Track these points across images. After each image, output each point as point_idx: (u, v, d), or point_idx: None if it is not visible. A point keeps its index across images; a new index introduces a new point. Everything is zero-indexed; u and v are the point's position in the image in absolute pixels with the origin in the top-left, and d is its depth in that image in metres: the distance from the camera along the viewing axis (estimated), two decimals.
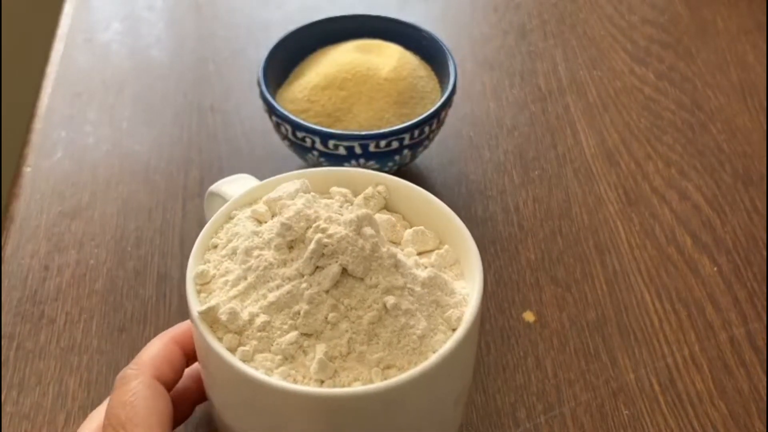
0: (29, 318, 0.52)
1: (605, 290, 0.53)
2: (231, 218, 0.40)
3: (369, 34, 0.59)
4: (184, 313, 0.52)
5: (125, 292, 0.53)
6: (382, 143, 0.53)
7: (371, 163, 0.54)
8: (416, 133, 0.53)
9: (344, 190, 0.40)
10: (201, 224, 0.57)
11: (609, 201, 0.58)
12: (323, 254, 0.35)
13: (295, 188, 0.39)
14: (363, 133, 0.52)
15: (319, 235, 0.35)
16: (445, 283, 0.37)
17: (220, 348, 0.34)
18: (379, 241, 0.36)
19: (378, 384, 0.33)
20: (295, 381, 0.34)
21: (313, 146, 0.53)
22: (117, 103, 0.65)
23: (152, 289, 0.53)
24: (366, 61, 0.56)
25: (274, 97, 0.55)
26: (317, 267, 0.35)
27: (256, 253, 0.36)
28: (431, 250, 0.40)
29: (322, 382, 0.34)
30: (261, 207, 0.39)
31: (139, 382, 0.38)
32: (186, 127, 0.64)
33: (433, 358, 0.34)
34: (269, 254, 0.36)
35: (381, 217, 0.40)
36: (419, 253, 0.39)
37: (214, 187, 0.44)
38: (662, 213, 0.58)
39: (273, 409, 0.34)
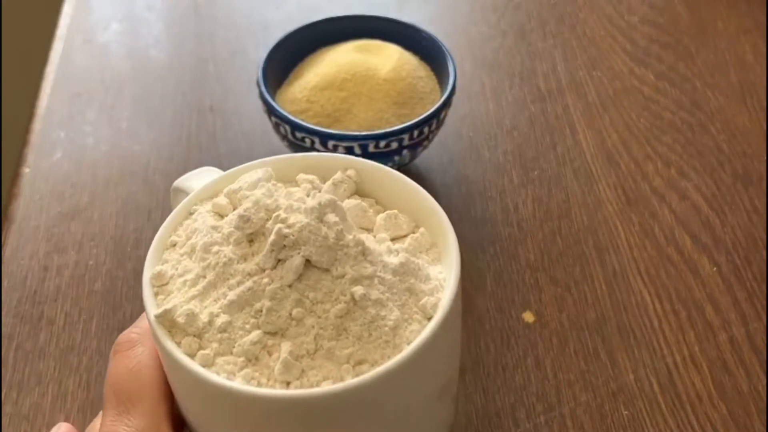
0: (28, 319, 0.52)
1: (605, 290, 0.53)
2: (191, 214, 0.37)
3: (368, 34, 0.59)
4: None
5: (124, 292, 0.53)
6: (382, 144, 0.53)
7: None
8: (416, 133, 0.53)
9: (311, 177, 0.38)
10: None
11: (608, 201, 0.58)
12: (284, 246, 0.33)
13: (257, 178, 0.37)
14: (362, 133, 0.52)
15: (279, 225, 0.33)
16: (418, 268, 0.35)
17: (178, 353, 0.32)
18: (345, 229, 0.34)
19: (349, 382, 0.31)
20: (259, 384, 0.32)
21: (312, 147, 0.53)
22: (116, 104, 0.65)
23: None
24: (365, 62, 0.56)
25: (273, 98, 0.55)
26: (279, 260, 0.33)
27: (215, 249, 0.34)
28: (405, 235, 0.37)
29: (289, 383, 0.32)
30: (222, 200, 0.37)
31: (145, 348, 0.35)
32: (185, 127, 0.64)
33: (407, 350, 0.32)
34: (228, 249, 0.34)
35: (350, 202, 0.37)
36: (393, 239, 0.37)
37: (178, 182, 0.41)
38: (662, 213, 0.58)
39: (239, 415, 0.32)
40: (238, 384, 0.31)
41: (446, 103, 0.54)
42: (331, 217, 0.34)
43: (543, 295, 0.53)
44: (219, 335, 0.33)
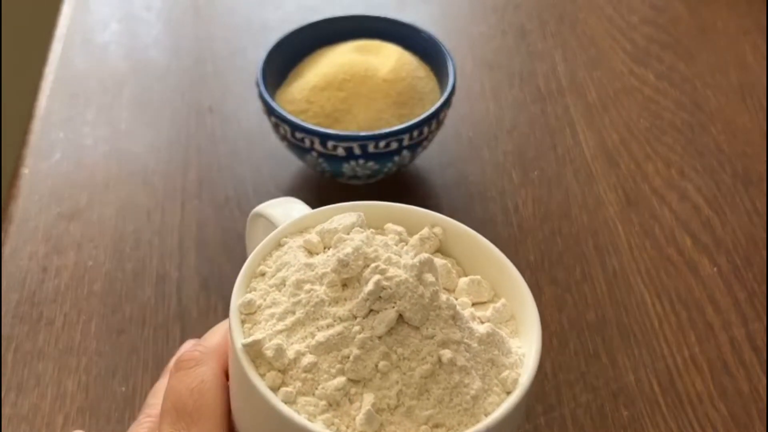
0: (28, 319, 0.52)
1: (605, 291, 0.53)
2: (281, 245, 0.38)
3: (368, 34, 0.59)
4: (182, 315, 0.52)
5: (124, 293, 0.53)
6: (381, 144, 0.52)
7: (370, 163, 0.54)
8: (415, 133, 0.53)
9: (399, 228, 0.39)
10: (200, 225, 0.57)
11: (609, 202, 0.58)
12: (380, 297, 0.33)
13: (351, 221, 0.38)
14: (362, 133, 0.52)
15: (378, 276, 0.34)
16: (502, 341, 0.35)
17: (262, 386, 0.33)
18: (439, 290, 0.34)
19: None
20: (338, 431, 0.32)
21: (312, 147, 0.53)
22: (115, 105, 0.65)
23: (151, 290, 0.53)
24: (365, 62, 0.56)
25: (272, 98, 0.55)
26: (372, 310, 0.34)
27: (307, 287, 0.35)
28: (486, 302, 0.38)
29: None
30: (314, 237, 0.38)
31: (208, 368, 0.36)
32: (184, 128, 0.64)
33: (484, 423, 0.33)
34: (321, 290, 0.35)
35: (438, 261, 0.38)
36: (473, 305, 0.38)
37: (259, 209, 0.42)
38: (662, 214, 0.58)
39: None
40: (319, 427, 0.32)
41: (446, 104, 0.54)
42: (428, 277, 0.34)
43: (543, 295, 0.53)
44: (303, 374, 0.33)
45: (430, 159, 0.61)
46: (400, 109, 0.55)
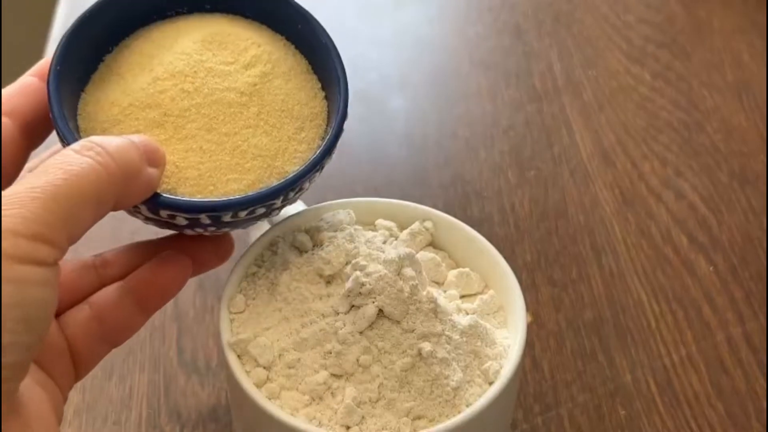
0: None
1: (602, 291, 0.53)
2: (272, 245, 0.39)
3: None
4: (179, 316, 0.52)
5: None
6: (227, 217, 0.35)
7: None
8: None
9: (390, 224, 0.40)
10: None
11: (605, 201, 0.58)
12: (360, 293, 0.34)
13: (339, 219, 0.39)
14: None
15: (357, 272, 0.34)
16: (486, 332, 0.36)
17: (246, 383, 0.34)
18: (420, 284, 0.35)
19: None
20: (320, 424, 0.33)
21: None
22: None
23: None
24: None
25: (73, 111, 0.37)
26: (353, 306, 0.34)
27: (293, 285, 0.36)
28: (475, 294, 0.39)
29: (348, 428, 0.33)
30: (303, 236, 0.38)
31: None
32: None
33: (466, 413, 0.33)
34: (305, 288, 0.36)
35: (425, 255, 0.39)
36: (462, 296, 0.38)
37: None
38: (658, 213, 0.58)
39: None
40: (300, 422, 0.33)
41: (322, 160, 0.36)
42: (408, 271, 0.35)
43: (540, 295, 0.53)
44: (287, 370, 0.34)
45: (426, 159, 0.61)
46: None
